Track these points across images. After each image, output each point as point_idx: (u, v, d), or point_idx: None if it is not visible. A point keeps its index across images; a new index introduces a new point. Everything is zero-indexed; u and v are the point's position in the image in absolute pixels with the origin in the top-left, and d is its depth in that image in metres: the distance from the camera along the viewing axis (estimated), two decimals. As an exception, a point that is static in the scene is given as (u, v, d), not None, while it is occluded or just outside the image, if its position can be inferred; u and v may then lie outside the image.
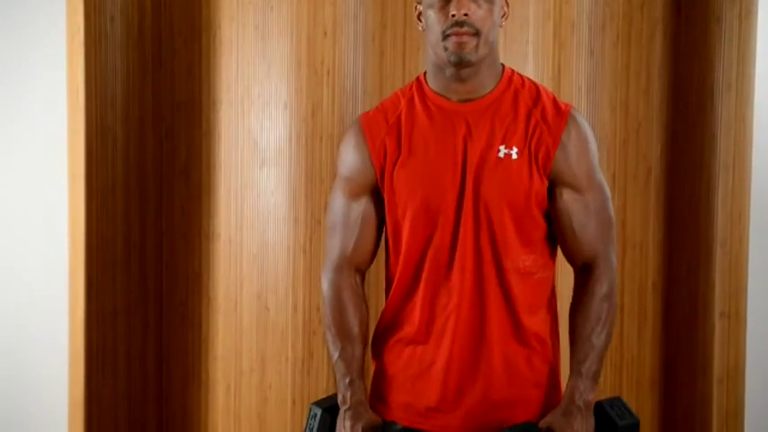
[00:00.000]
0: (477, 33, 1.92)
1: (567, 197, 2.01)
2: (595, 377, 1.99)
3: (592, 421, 1.98)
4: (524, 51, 2.91)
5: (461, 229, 1.97)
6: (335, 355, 2.04)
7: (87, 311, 2.88)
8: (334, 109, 2.85)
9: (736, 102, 2.92)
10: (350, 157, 2.09)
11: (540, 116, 1.99)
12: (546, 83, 2.87)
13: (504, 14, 2.00)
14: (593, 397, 1.99)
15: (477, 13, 1.91)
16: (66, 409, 2.97)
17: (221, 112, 2.94)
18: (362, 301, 2.10)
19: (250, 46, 2.88)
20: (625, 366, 3.04)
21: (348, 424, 1.95)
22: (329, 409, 2.05)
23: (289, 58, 2.84)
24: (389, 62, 2.91)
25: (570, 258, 2.07)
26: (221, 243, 2.96)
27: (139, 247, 3.02)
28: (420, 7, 2.00)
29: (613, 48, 2.95)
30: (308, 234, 2.87)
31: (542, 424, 1.99)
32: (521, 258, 2.00)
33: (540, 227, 2.03)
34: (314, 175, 2.86)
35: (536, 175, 1.98)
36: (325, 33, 2.84)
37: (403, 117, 2.04)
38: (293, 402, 2.88)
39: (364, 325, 2.09)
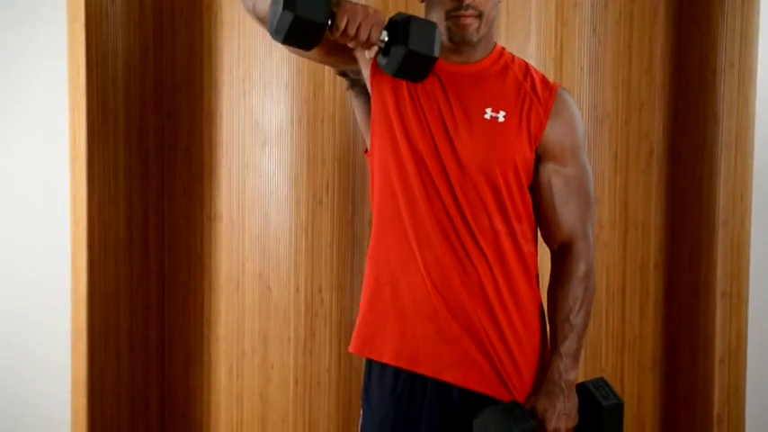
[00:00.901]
0: (480, 15, 1.99)
1: (550, 171, 2.06)
2: (576, 356, 2.04)
3: (575, 400, 2.03)
4: (527, 30, 2.91)
5: (443, 187, 2.00)
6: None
7: (89, 292, 2.88)
8: (336, 89, 2.84)
9: (738, 81, 2.92)
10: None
11: (529, 88, 2.06)
12: (548, 61, 2.87)
13: None
14: (574, 376, 2.04)
15: None
16: (69, 390, 2.97)
17: (223, 92, 2.94)
18: None
19: (251, 26, 2.87)
20: (627, 347, 3.05)
21: (365, 7, 1.82)
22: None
23: (290, 38, 2.84)
24: (391, 42, 2.90)
25: (549, 237, 2.11)
26: (223, 224, 2.96)
27: (141, 228, 3.02)
28: None
29: (616, 26, 2.94)
30: (309, 215, 2.87)
31: (526, 405, 2.02)
32: (509, 224, 2.02)
33: (525, 197, 2.06)
34: (315, 155, 2.86)
35: (524, 141, 2.02)
36: (327, 13, 2.83)
37: None
38: (295, 383, 2.89)
39: None
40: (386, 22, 1.86)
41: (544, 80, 2.10)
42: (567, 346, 2.04)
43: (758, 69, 2.94)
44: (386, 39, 1.85)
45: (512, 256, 2.03)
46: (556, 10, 2.87)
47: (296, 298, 2.88)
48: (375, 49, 1.89)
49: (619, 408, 2.04)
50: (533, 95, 2.05)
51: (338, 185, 2.86)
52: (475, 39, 2.00)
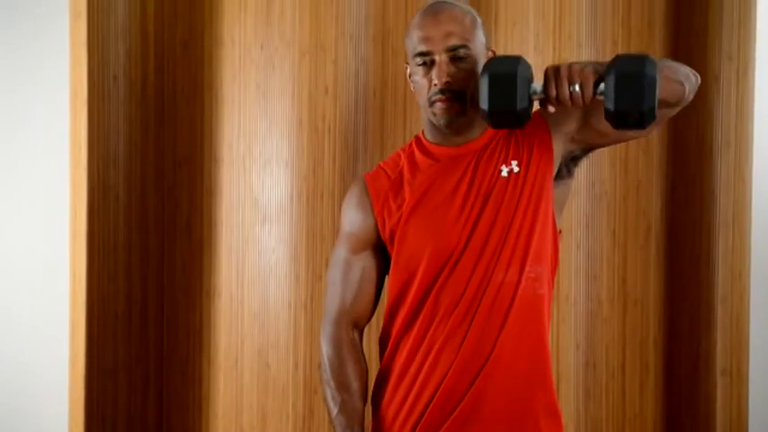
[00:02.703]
0: (461, 96, 1.97)
1: (577, 129, 2.01)
2: (596, 68, 1.78)
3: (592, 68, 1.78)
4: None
5: (479, 262, 1.97)
6: (335, 410, 2.05)
7: (88, 368, 2.87)
8: (335, 166, 2.86)
9: (735, 159, 2.94)
10: (352, 213, 2.13)
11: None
12: (546, 140, 2.88)
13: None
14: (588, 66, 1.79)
15: (458, 76, 1.96)
16: (66, 468, 2.96)
17: (223, 169, 2.96)
18: (361, 356, 2.12)
19: (252, 104, 2.90)
20: (627, 423, 3.03)
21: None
22: None
23: (290, 115, 2.86)
24: (390, 119, 2.93)
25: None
26: (222, 300, 2.96)
27: (140, 303, 3.02)
28: (409, 68, 2.06)
29: (613, 105, 2.96)
30: (308, 291, 2.87)
31: None
32: (534, 270, 1.98)
33: (549, 238, 2.02)
34: (315, 232, 2.87)
35: (542, 173, 1.99)
36: (327, 91, 2.86)
37: (405, 171, 2.09)
38: (294, 460, 2.88)
39: (363, 379, 2.10)
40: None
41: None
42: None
43: (754, 147, 2.96)
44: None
45: (529, 309, 1.99)
46: (553, 89, 2.90)
47: (295, 374, 2.88)
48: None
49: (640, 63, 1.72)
50: (528, 129, 2.01)
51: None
52: (461, 120, 1.99)
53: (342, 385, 2.07)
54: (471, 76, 1.96)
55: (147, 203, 3.02)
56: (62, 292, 2.99)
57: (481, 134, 2.06)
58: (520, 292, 1.96)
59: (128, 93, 2.95)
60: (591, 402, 2.96)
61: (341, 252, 2.14)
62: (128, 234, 2.97)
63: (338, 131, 2.87)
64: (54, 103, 3.06)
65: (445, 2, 2.05)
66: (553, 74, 1.76)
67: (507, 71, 1.76)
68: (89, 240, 2.86)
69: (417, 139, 2.13)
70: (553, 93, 1.76)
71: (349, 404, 2.06)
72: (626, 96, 1.70)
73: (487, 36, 2.06)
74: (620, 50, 2.95)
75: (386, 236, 2.07)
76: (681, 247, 3.02)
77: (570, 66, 1.76)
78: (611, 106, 1.72)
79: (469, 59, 1.97)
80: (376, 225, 2.08)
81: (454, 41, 1.96)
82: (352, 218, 2.12)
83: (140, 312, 3.02)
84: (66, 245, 2.95)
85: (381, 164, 2.16)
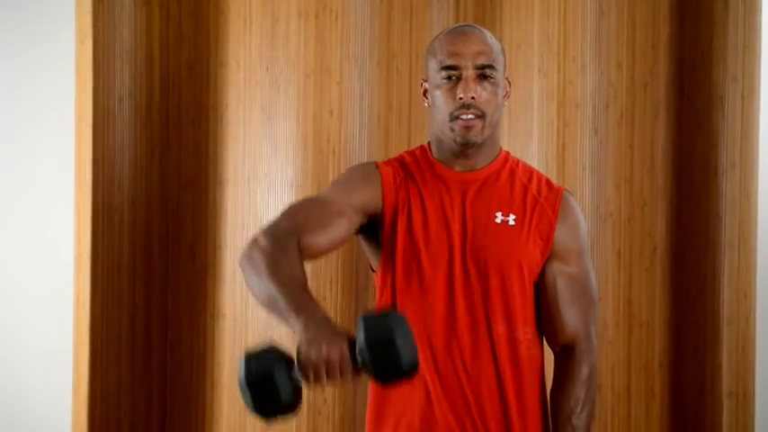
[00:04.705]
0: (482, 115, 2.01)
1: (555, 270, 2.07)
2: None
3: None
4: (529, 130, 2.94)
5: (458, 294, 2.00)
6: (271, 286, 1.79)
7: (91, 391, 2.87)
8: (340, 188, 2.85)
9: (740, 180, 2.93)
10: (358, 177, 2.09)
11: (535, 192, 2.09)
12: (550, 161, 2.89)
13: (506, 94, 2.10)
14: None
15: (482, 96, 2.00)
16: (69, 492, 2.94)
17: (228, 191, 2.96)
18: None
19: (257, 126, 2.90)
20: (633, 447, 3.02)
21: (324, 348, 1.65)
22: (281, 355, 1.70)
23: (295, 137, 2.87)
24: (394, 142, 2.93)
25: (552, 338, 2.10)
26: (226, 322, 2.95)
27: (144, 326, 3.01)
28: (426, 84, 2.10)
29: (617, 127, 2.96)
30: (313, 313, 2.86)
31: None
32: (520, 329, 2.02)
33: (532, 297, 2.06)
34: (319, 253, 2.86)
35: (534, 244, 2.04)
36: (332, 113, 2.86)
37: (410, 176, 2.09)
38: (298, 483, 2.86)
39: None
40: (349, 345, 1.66)
41: (549, 183, 2.12)
42: None
43: (759, 169, 2.95)
44: (359, 362, 1.66)
45: (524, 361, 2.02)
46: (558, 111, 2.90)
47: (299, 397, 2.86)
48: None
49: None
50: (539, 198, 2.07)
51: (342, 282, 2.87)
52: (479, 140, 2.02)
53: (280, 271, 1.80)
54: (493, 98, 2.02)
55: (152, 225, 3.02)
56: (66, 314, 2.98)
57: (484, 166, 2.09)
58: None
59: (133, 114, 2.96)
60: (596, 425, 2.94)
61: (327, 192, 2.06)
62: (132, 256, 2.98)
63: (343, 153, 2.87)
64: (58, 124, 3.06)
65: (474, 25, 2.12)
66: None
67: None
68: (93, 262, 2.87)
69: (423, 150, 2.14)
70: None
71: (286, 274, 1.79)
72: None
73: (506, 65, 2.11)
74: (625, 72, 2.96)
75: (387, 206, 2.04)
76: (686, 269, 3.01)
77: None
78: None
79: (494, 82, 2.02)
80: (381, 205, 2.04)
81: (483, 60, 2.01)
82: (358, 180, 2.06)
83: (144, 335, 3.02)
84: (70, 267, 2.95)
85: (390, 160, 2.15)
